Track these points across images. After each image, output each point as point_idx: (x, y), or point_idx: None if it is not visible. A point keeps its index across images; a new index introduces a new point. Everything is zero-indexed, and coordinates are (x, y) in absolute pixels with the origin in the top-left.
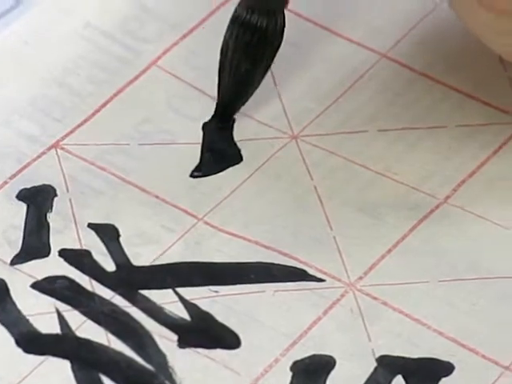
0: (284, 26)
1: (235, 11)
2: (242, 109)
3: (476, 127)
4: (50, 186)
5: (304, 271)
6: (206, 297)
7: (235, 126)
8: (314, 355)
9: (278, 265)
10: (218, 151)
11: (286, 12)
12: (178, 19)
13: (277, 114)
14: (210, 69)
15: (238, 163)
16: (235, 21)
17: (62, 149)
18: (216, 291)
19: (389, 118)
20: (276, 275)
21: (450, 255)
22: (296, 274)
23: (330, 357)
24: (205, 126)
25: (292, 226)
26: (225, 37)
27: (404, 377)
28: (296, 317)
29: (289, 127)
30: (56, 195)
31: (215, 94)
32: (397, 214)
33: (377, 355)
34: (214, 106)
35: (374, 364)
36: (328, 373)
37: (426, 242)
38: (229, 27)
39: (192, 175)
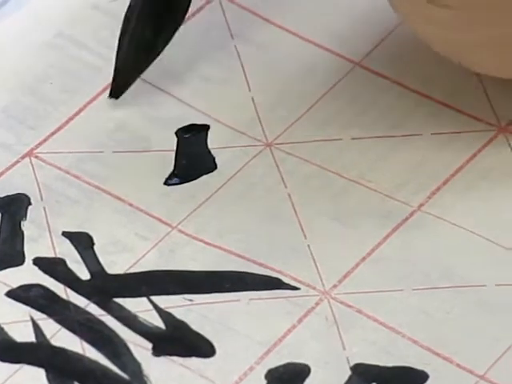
0: None
1: None
2: (216, 115)
3: (450, 135)
4: (24, 194)
5: (278, 279)
6: (180, 305)
7: (209, 133)
8: (288, 363)
9: (253, 273)
10: (193, 158)
11: (256, 17)
12: None
13: (251, 122)
14: (184, 75)
15: (212, 171)
16: None
17: (36, 157)
18: (191, 300)
19: (363, 126)
20: (250, 284)
21: (423, 263)
22: (270, 283)
23: (305, 365)
24: (179, 133)
25: (266, 234)
26: (128, 6)
27: None
28: (271, 325)
29: (263, 135)
30: (30, 204)
31: (189, 100)
32: (371, 222)
33: (351, 363)
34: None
35: (349, 372)
36: (303, 381)
37: (399, 250)
38: None
39: (166, 183)
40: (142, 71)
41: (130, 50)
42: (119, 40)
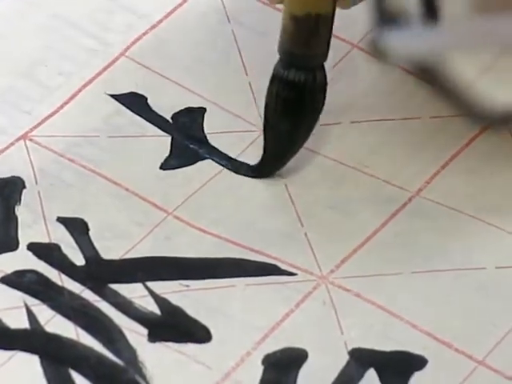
0: (325, 83)
1: (274, 69)
2: (213, 99)
3: (449, 118)
4: (18, 177)
5: (275, 266)
6: (176, 291)
7: (206, 116)
8: (285, 348)
9: (249, 260)
10: (189, 143)
11: (253, 0)
12: (146, 9)
13: (247, 106)
14: (179, 58)
15: (208, 157)
16: (274, 79)
17: (31, 140)
18: (187, 285)
19: (361, 109)
20: (247, 270)
21: (423, 248)
22: (267, 269)
23: (302, 350)
24: (175, 117)
25: (262, 223)
26: (266, 97)
27: (376, 370)
28: (267, 310)
29: (259, 119)
30: (25, 187)
31: (185, 83)
32: (369, 209)
33: (349, 348)
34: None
35: (347, 357)
36: (300, 366)
37: (399, 235)
38: (268, 87)
39: (162, 167)
40: (284, 162)
41: (272, 143)
42: (264, 131)
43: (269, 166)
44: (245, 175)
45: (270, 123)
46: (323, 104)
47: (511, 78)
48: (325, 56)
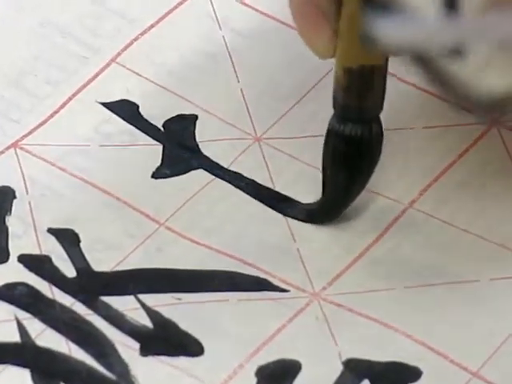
0: (381, 133)
1: (329, 124)
2: (205, 106)
3: (443, 128)
4: (8, 187)
5: (267, 281)
6: (168, 304)
7: (197, 124)
8: (279, 360)
9: (242, 274)
10: (180, 151)
11: (244, 7)
12: (136, 15)
13: (240, 113)
14: (170, 65)
15: (200, 167)
16: (329, 133)
17: (22, 149)
18: (179, 298)
19: None
20: (239, 284)
21: (415, 262)
22: (260, 284)
23: (296, 361)
24: (166, 125)
25: (255, 234)
26: (323, 151)
27: (371, 381)
28: (260, 324)
29: (252, 127)
30: (15, 197)
31: (176, 90)
32: (362, 223)
33: (343, 359)
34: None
35: (341, 368)
36: (294, 377)
37: (391, 251)
38: (325, 141)
39: (154, 176)
40: (340, 211)
41: (331, 193)
42: (323, 181)
43: (324, 214)
44: (297, 219)
45: (328, 176)
46: (379, 155)
47: (500, 66)
48: (380, 107)
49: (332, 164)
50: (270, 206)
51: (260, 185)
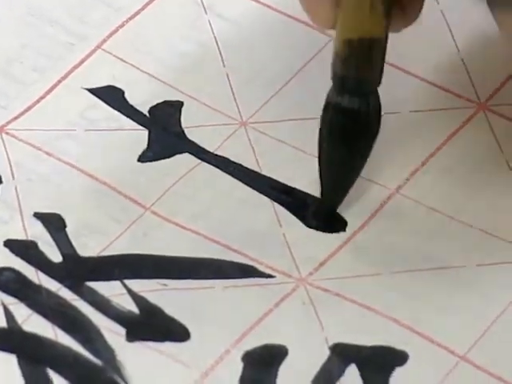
0: (379, 108)
1: (327, 96)
2: (191, 92)
3: (429, 113)
4: None
5: (254, 268)
6: (154, 290)
7: (183, 110)
8: (265, 345)
9: (228, 262)
10: (166, 137)
11: None
12: (122, 2)
13: (225, 99)
14: (156, 51)
15: (185, 151)
16: (327, 106)
17: (7, 133)
18: (165, 284)
19: None
20: (225, 272)
21: (402, 248)
22: (246, 271)
23: (282, 346)
24: (152, 111)
25: (241, 220)
26: (320, 126)
27: (358, 365)
28: (247, 310)
29: (238, 113)
30: (1, 182)
31: (162, 76)
32: (349, 209)
33: (330, 343)
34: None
35: (328, 352)
36: (280, 362)
37: (378, 236)
38: (322, 114)
39: (140, 160)
40: (344, 193)
41: (329, 173)
42: (318, 165)
43: (329, 200)
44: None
45: (325, 151)
46: (378, 130)
47: None
48: (378, 81)
49: (329, 138)
50: (259, 191)
51: (247, 169)
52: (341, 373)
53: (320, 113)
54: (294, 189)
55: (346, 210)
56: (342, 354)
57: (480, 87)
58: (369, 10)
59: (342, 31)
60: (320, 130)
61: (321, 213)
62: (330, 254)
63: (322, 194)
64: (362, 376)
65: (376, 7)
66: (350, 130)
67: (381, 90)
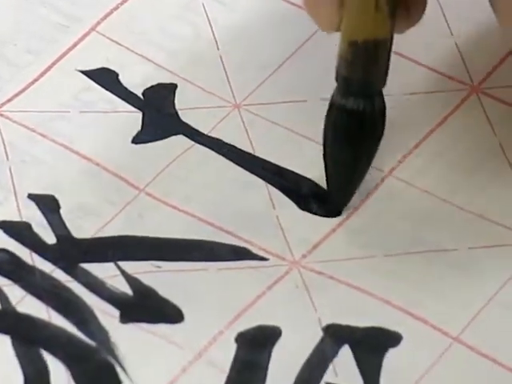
0: (384, 109)
1: (331, 97)
2: (185, 74)
3: (422, 95)
4: None
5: (247, 250)
6: (148, 271)
7: (177, 92)
8: (259, 326)
9: (222, 244)
10: (160, 119)
11: None
12: None
13: (219, 81)
14: (149, 33)
15: (179, 132)
16: (331, 107)
17: (2, 115)
18: (158, 266)
19: (331, 86)
20: (219, 254)
21: (395, 230)
22: (239, 253)
23: (276, 327)
24: (146, 94)
25: (235, 201)
26: (324, 127)
27: (351, 347)
28: (240, 292)
29: (231, 95)
30: None
31: (156, 58)
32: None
33: (323, 324)
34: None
35: (321, 334)
36: (273, 343)
37: (371, 219)
38: (326, 115)
39: (134, 141)
40: (350, 194)
41: (335, 175)
42: (325, 164)
43: (335, 200)
44: (313, 213)
45: (330, 154)
46: (383, 131)
47: None
48: (383, 82)
49: (334, 140)
50: (252, 172)
51: (241, 150)
52: (334, 354)
53: (313, 95)
54: (287, 170)
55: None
56: (336, 335)
57: (473, 70)
58: (374, 11)
59: (347, 33)
60: (324, 131)
61: (326, 211)
62: (323, 237)
63: (328, 194)
64: (356, 357)
65: (381, 8)
66: (354, 132)
67: None
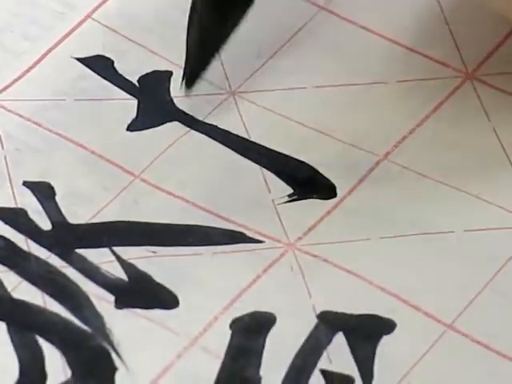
0: None
1: None
2: (181, 61)
3: (417, 82)
4: None
5: (242, 233)
6: (143, 257)
7: (172, 80)
8: (254, 312)
9: (216, 228)
10: (155, 106)
11: None
12: None
13: (214, 68)
14: (145, 21)
15: (174, 119)
16: None
17: None
18: (153, 252)
19: (326, 73)
20: (214, 238)
21: (390, 213)
22: (234, 237)
23: (270, 314)
24: (141, 81)
25: (230, 187)
26: None
27: (345, 334)
28: (235, 276)
29: (226, 82)
30: None
31: (152, 46)
32: (335, 175)
33: (318, 311)
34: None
35: (315, 320)
36: (268, 330)
37: (366, 202)
38: None
39: (129, 128)
40: (211, 59)
41: (195, 37)
42: (187, 29)
43: (193, 63)
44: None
45: (196, 13)
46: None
47: None
48: None
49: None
50: (247, 157)
51: (236, 136)
52: (328, 341)
53: (308, 82)
54: (282, 155)
55: (333, 176)
56: (330, 322)
57: (467, 57)
58: None
59: None
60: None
61: (184, 78)
62: (318, 219)
63: (186, 56)
64: (350, 344)
65: None
66: None
67: (367, 60)
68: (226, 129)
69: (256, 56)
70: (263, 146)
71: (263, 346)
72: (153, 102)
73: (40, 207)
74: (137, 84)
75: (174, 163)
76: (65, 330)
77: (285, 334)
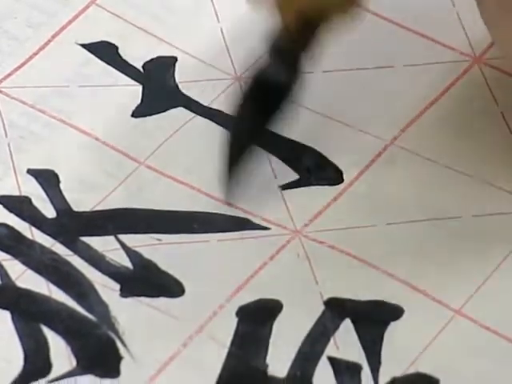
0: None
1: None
2: (185, 47)
3: (424, 66)
4: None
5: (248, 220)
6: (148, 244)
7: (177, 65)
8: (260, 299)
9: (222, 214)
10: (160, 92)
11: None
12: None
13: (220, 54)
14: (149, 6)
15: (179, 105)
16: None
17: (0, 92)
18: (159, 239)
19: (333, 58)
20: (220, 225)
21: (397, 198)
22: (240, 224)
23: (277, 301)
24: (146, 67)
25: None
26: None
27: (352, 320)
28: (241, 264)
29: (232, 67)
30: None
31: (156, 31)
32: (343, 159)
33: (325, 298)
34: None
35: (322, 307)
36: (275, 317)
37: (373, 187)
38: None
39: (133, 115)
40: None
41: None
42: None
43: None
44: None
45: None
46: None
47: None
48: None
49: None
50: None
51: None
52: (335, 327)
53: (314, 67)
54: (289, 140)
55: (341, 161)
56: (337, 309)
57: (475, 41)
58: None
59: None
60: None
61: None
62: (325, 206)
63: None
64: (357, 330)
65: None
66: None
67: (375, 44)
68: (232, 114)
69: (261, 41)
70: (269, 131)
71: (270, 334)
72: (158, 88)
73: (44, 195)
74: (141, 70)
75: (179, 149)
76: (70, 318)
77: (292, 321)
